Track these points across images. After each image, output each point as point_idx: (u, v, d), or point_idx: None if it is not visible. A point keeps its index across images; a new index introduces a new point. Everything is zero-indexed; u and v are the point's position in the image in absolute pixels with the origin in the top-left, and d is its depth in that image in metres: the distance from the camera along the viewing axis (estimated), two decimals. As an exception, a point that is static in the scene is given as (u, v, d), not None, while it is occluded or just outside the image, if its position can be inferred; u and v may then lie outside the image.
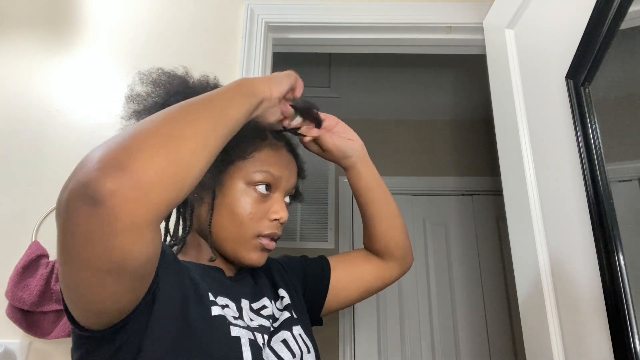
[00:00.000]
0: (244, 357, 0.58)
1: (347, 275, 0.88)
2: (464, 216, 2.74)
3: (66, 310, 0.51)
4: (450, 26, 1.46)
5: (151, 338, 0.53)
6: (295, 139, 0.81)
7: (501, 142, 1.25)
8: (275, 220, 0.71)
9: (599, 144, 0.85)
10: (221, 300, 0.65)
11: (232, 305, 0.66)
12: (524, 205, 1.09)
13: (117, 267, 0.45)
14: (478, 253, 2.65)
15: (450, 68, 2.43)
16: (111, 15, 1.44)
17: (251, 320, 0.67)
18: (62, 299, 0.51)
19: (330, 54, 2.24)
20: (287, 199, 0.75)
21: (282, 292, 0.79)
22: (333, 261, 0.90)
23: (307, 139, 0.80)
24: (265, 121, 0.68)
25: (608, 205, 0.81)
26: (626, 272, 0.77)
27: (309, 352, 0.70)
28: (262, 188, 0.69)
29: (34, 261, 1.12)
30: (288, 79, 0.70)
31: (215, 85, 0.77)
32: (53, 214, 1.21)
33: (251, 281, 0.76)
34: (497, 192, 2.67)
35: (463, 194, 2.80)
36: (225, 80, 0.73)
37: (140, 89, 0.71)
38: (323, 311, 0.88)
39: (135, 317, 0.51)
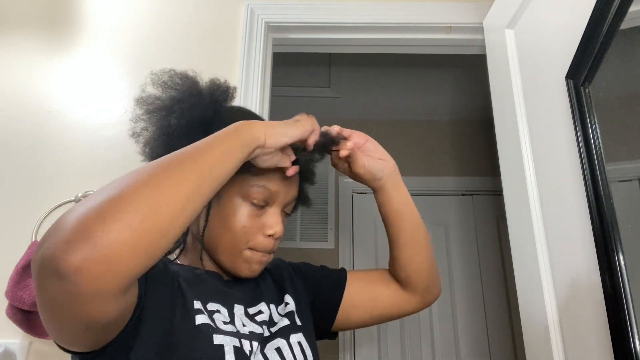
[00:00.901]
0: None
1: (363, 293, 0.84)
2: (463, 216, 2.74)
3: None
4: (450, 26, 1.46)
5: (136, 352, 0.55)
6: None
7: (501, 142, 1.25)
8: (270, 235, 0.69)
9: (599, 144, 0.84)
10: (212, 306, 0.65)
11: (224, 310, 0.66)
12: (524, 205, 1.09)
13: (88, 326, 0.47)
14: (478, 253, 2.65)
15: (450, 68, 2.42)
16: (111, 15, 1.44)
17: (243, 326, 0.66)
18: None
19: (330, 54, 2.24)
20: (290, 207, 0.74)
21: (287, 298, 0.77)
22: (351, 275, 0.85)
23: (341, 154, 0.73)
24: (258, 166, 0.64)
25: (608, 205, 0.81)
26: (626, 272, 0.77)
27: None
28: (257, 202, 0.68)
29: (34, 261, 1.12)
30: (298, 129, 0.64)
31: (227, 88, 0.75)
32: (53, 214, 1.22)
33: (252, 284, 0.75)
34: (497, 192, 2.67)
35: (463, 194, 2.79)
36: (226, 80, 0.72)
37: (151, 90, 0.71)
38: (335, 327, 0.83)
39: (120, 338, 0.54)
